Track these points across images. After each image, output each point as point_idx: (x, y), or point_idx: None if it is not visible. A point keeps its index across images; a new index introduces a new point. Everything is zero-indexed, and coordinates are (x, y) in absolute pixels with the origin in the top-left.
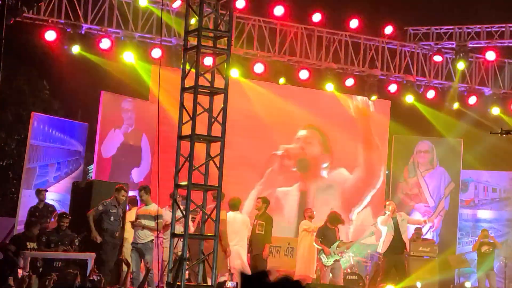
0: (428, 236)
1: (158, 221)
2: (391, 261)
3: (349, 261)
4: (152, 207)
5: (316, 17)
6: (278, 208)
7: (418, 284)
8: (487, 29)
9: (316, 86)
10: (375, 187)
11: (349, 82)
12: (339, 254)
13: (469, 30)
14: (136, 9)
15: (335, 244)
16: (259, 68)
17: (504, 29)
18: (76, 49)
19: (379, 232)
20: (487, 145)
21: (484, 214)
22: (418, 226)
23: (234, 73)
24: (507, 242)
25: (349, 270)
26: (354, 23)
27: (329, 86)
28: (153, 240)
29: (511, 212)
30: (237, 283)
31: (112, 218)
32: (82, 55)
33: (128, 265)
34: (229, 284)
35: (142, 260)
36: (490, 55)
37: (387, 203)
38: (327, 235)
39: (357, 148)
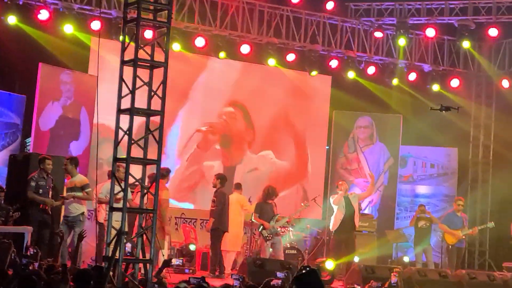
0: (367, 211)
1: (87, 190)
2: (341, 239)
3: (289, 236)
4: (77, 178)
5: None
6: (207, 182)
7: (356, 258)
8: (427, 6)
9: (257, 61)
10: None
11: (290, 57)
12: (279, 228)
13: (410, 6)
14: None
15: (275, 218)
16: (200, 42)
17: (443, 6)
18: (12, 19)
19: (319, 208)
20: (426, 121)
21: (422, 189)
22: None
23: (175, 46)
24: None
25: (288, 245)
26: None
27: (271, 61)
28: (83, 212)
29: (448, 187)
30: (183, 260)
31: (41, 191)
32: (19, 26)
33: (61, 238)
34: (175, 261)
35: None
36: (430, 32)
37: (340, 182)
38: (264, 210)
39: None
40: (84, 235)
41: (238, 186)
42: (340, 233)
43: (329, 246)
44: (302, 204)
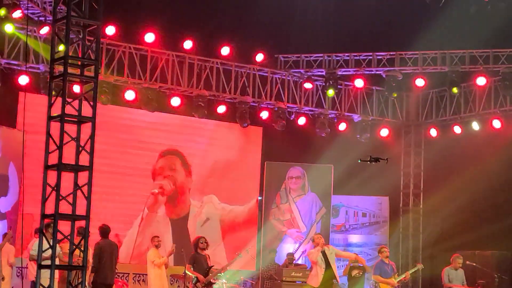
0: (300, 261)
1: None
2: None
3: (222, 287)
4: None
5: (187, 44)
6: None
7: None
8: (355, 57)
9: (188, 113)
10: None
11: (221, 109)
12: (213, 280)
13: (338, 58)
14: (2, 35)
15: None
16: (130, 95)
17: (371, 57)
18: None
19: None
20: (357, 170)
21: (355, 238)
22: (290, 252)
23: (105, 100)
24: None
25: None
26: (225, 51)
27: (201, 113)
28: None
29: (380, 236)
30: None
31: None
32: None
33: None
34: None
35: None
36: (359, 83)
37: (316, 236)
38: (198, 262)
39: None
40: None
41: (152, 240)
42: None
43: None
44: (236, 254)
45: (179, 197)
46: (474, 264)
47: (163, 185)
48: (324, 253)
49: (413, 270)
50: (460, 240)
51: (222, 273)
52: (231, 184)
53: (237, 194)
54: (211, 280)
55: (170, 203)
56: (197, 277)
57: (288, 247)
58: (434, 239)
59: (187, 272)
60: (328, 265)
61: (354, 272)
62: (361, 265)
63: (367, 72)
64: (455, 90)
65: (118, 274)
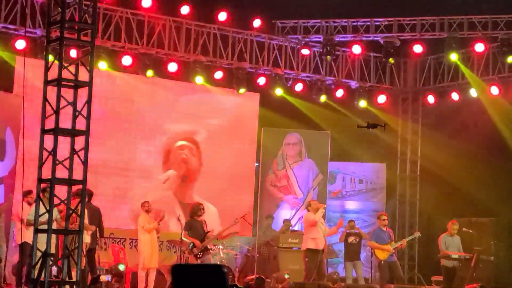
0: (297, 228)
1: None
2: (315, 259)
3: (219, 254)
4: None
5: (185, 9)
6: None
7: (286, 275)
8: (353, 24)
9: (185, 79)
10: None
11: (218, 75)
12: (209, 246)
13: (336, 24)
14: None
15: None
16: (127, 60)
17: (369, 23)
18: None
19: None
20: (354, 137)
21: (351, 205)
22: (287, 218)
23: (102, 65)
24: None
25: (218, 262)
26: (222, 16)
27: (198, 79)
28: None
29: (377, 202)
30: (111, 277)
31: None
32: None
33: None
34: (104, 277)
35: None
36: (356, 49)
37: (313, 202)
38: (194, 228)
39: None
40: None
41: (142, 205)
42: (315, 254)
43: (305, 263)
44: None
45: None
46: (471, 231)
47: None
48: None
49: (410, 238)
50: (457, 207)
51: (219, 239)
52: (228, 150)
53: (233, 160)
54: (208, 246)
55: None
56: (193, 243)
57: (285, 213)
58: (431, 206)
59: (183, 238)
60: (323, 232)
61: (351, 239)
62: (357, 232)
63: (365, 38)
64: (391, 60)
65: (114, 239)
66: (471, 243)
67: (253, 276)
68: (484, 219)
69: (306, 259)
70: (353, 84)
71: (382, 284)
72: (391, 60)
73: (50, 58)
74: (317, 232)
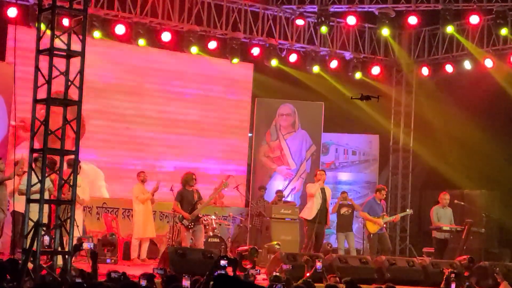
0: (290, 198)
1: None
2: (317, 231)
3: (211, 224)
4: None
5: None
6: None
7: (277, 246)
8: None
9: (178, 49)
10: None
11: (212, 45)
12: (201, 215)
13: None
14: None
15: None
16: (120, 29)
17: None
18: None
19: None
20: (348, 108)
21: (344, 176)
22: (280, 189)
23: (96, 34)
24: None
25: (211, 233)
26: None
27: (193, 49)
28: None
29: (370, 174)
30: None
31: None
32: None
33: None
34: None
35: None
36: (351, 20)
37: (319, 172)
38: (185, 198)
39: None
40: None
41: (138, 175)
42: (316, 223)
43: (304, 233)
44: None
45: None
46: (462, 203)
47: None
48: (323, 190)
49: (403, 214)
50: (449, 179)
51: (212, 205)
52: (221, 121)
53: (226, 130)
54: (199, 215)
55: None
56: (181, 215)
57: (278, 184)
58: (423, 178)
59: (173, 209)
60: (324, 202)
61: (343, 210)
62: (350, 203)
63: (360, 9)
64: (323, 30)
65: (107, 209)
66: (462, 215)
67: (246, 247)
68: (476, 191)
69: (305, 228)
70: (347, 55)
71: (374, 256)
72: (383, 28)
73: (42, 27)
74: (310, 203)
